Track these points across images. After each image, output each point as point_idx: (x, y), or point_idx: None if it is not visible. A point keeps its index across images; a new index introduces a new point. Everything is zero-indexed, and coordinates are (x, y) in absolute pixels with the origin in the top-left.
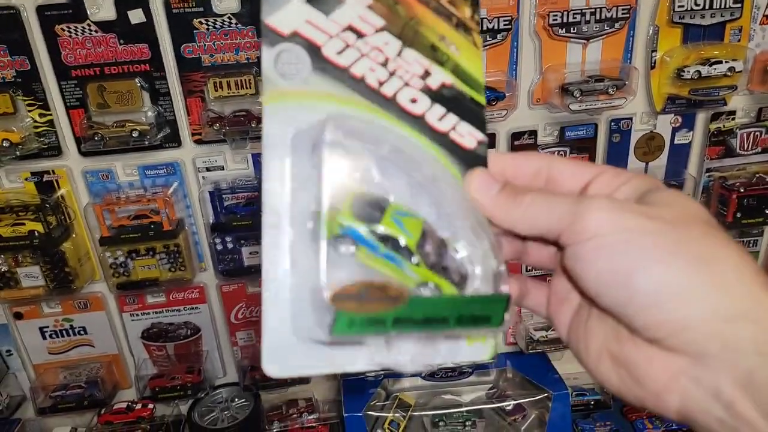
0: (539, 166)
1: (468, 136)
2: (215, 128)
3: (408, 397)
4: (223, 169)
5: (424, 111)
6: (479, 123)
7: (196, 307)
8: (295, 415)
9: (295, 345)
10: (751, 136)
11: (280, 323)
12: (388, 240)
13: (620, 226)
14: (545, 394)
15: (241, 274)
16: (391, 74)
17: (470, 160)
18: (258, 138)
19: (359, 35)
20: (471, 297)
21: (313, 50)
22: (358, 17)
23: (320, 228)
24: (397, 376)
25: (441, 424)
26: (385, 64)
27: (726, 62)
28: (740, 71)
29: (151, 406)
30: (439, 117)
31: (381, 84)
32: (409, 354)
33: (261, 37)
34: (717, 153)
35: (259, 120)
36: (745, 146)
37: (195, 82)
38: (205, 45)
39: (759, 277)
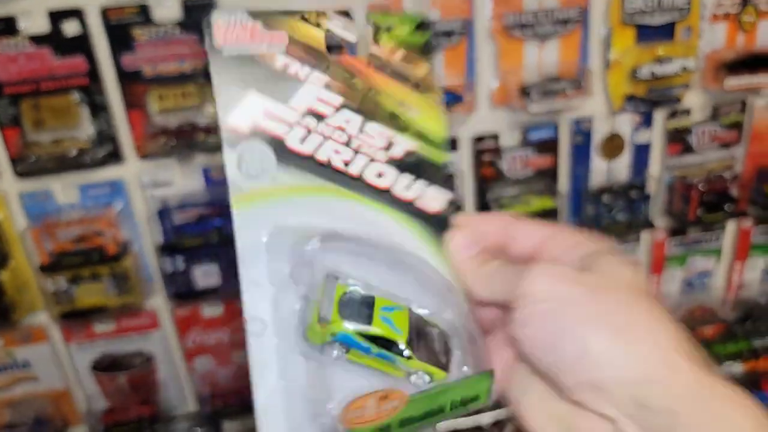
0: (500, 225)
1: (435, 199)
2: (160, 142)
3: None
4: (172, 186)
5: (391, 184)
6: (446, 182)
7: (149, 334)
8: None
9: None
10: (707, 133)
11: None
12: (380, 340)
13: (552, 294)
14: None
15: (194, 296)
16: (356, 152)
17: (440, 223)
18: (207, 150)
19: (320, 118)
20: (459, 382)
21: (276, 143)
22: (316, 99)
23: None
24: None
25: None
26: (348, 143)
27: (678, 61)
28: (692, 69)
29: None
30: (405, 186)
31: (347, 164)
32: None
33: (222, 140)
34: (677, 151)
35: (207, 131)
36: (702, 143)
37: (137, 94)
38: (145, 55)
39: (677, 343)
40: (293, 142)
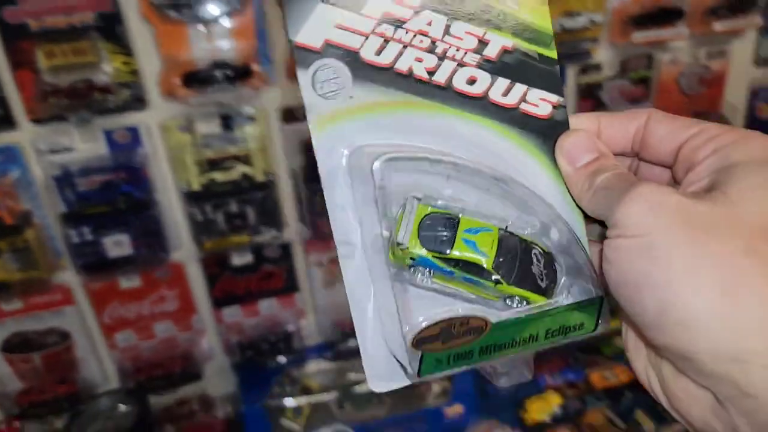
0: (637, 126)
1: (541, 102)
2: (52, 103)
3: (312, 382)
4: (73, 151)
5: (486, 89)
6: (553, 83)
7: (62, 310)
8: (189, 415)
9: (395, 366)
10: (617, 88)
11: (376, 350)
12: (463, 264)
13: (646, 228)
14: None
15: (108, 268)
16: (441, 58)
17: (548, 129)
18: (107, 111)
19: (398, 23)
20: (558, 309)
21: (351, 57)
22: (392, 2)
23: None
24: (299, 360)
25: (347, 404)
26: (432, 49)
27: (586, 14)
28: (601, 23)
29: (17, 425)
30: (503, 92)
31: (431, 73)
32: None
33: (294, 59)
34: (589, 107)
35: (105, 90)
36: (614, 99)
37: (23, 52)
38: (30, 8)
39: None
40: (369, 54)
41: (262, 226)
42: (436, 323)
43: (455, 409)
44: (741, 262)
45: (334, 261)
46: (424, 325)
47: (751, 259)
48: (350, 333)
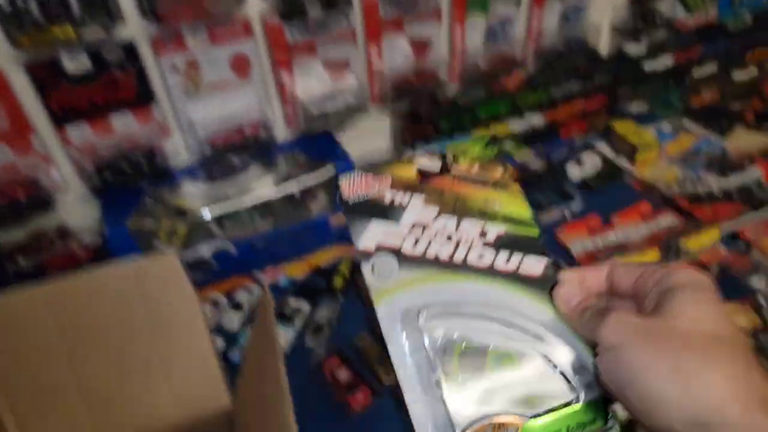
0: (606, 273)
1: (534, 265)
2: None
3: (185, 202)
4: None
5: (492, 261)
6: (539, 251)
7: None
8: (46, 247)
9: None
10: None
11: None
12: None
13: (616, 343)
14: (330, 170)
15: None
16: (457, 245)
17: (543, 283)
18: None
19: (424, 227)
20: (573, 409)
21: (396, 252)
22: (418, 215)
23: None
24: (169, 181)
25: (227, 223)
26: (450, 239)
27: None
28: None
29: None
30: (505, 261)
31: (451, 256)
32: None
33: (358, 257)
34: None
35: None
36: None
37: None
38: None
39: (733, 385)
40: (407, 249)
41: (87, 18)
42: (480, 426)
43: (341, 218)
44: (681, 354)
45: (193, 64)
46: (470, 425)
47: (687, 352)
48: (227, 149)
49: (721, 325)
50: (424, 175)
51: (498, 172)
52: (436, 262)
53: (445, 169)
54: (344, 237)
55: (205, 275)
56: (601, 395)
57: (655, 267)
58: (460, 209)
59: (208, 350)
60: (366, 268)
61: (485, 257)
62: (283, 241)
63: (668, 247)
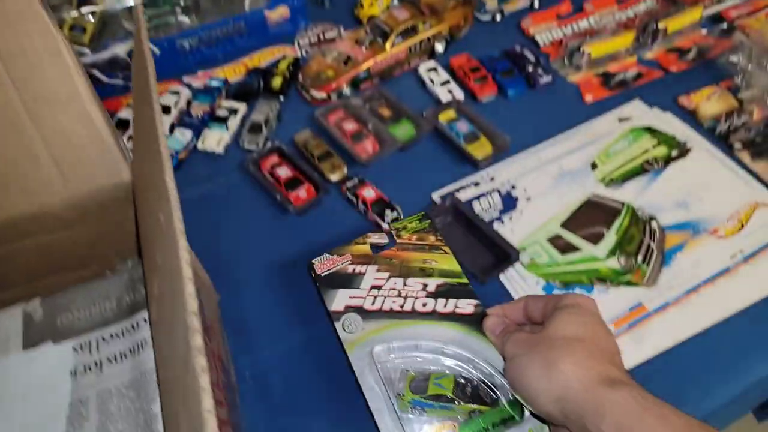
0: (522, 306)
1: (466, 306)
2: None
3: None
4: None
5: (433, 307)
6: (470, 294)
7: None
8: None
9: None
10: None
11: None
12: (437, 397)
13: (511, 354)
14: None
15: None
16: (405, 298)
17: (475, 319)
18: None
19: (378, 288)
20: (494, 410)
21: (360, 310)
22: (373, 279)
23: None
24: None
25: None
26: (399, 295)
27: None
28: None
29: None
30: (444, 305)
31: (402, 306)
32: None
33: (331, 319)
34: None
35: None
36: None
37: None
38: None
39: (591, 370)
40: (368, 306)
41: None
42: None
43: (279, 13)
44: (547, 354)
45: None
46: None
47: (552, 351)
48: None
49: (584, 329)
50: (374, 249)
51: (432, 238)
52: (391, 313)
53: (392, 242)
54: (283, 35)
55: (125, 79)
56: (515, 398)
57: (556, 296)
58: (405, 270)
59: (90, 111)
60: (338, 326)
61: (428, 304)
62: (213, 40)
63: (645, 28)
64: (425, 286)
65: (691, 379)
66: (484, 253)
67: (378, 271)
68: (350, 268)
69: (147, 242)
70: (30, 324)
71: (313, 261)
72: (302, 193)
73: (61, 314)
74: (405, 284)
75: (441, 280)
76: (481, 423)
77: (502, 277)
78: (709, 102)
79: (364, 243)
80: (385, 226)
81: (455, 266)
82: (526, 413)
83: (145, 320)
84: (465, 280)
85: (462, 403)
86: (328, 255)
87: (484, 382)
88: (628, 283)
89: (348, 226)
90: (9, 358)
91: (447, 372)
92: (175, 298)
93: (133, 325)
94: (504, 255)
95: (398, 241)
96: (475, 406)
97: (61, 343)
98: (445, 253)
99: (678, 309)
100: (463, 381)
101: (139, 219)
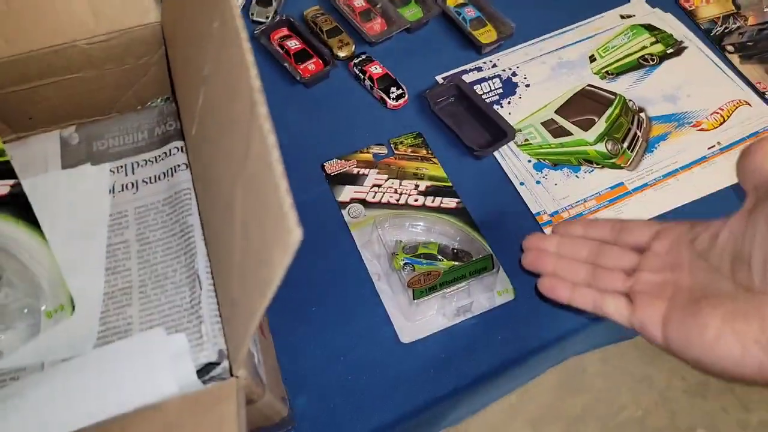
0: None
1: (450, 202)
2: None
3: None
4: None
5: (423, 202)
6: (453, 195)
7: None
8: None
9: (410, 323)
10: None
11: (399, 313)
12: (425, 256)
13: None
14: None
15: None
16: (400, 195)
17: (457, 212)
18: None
19: (378, 186)
20: (472, 261)
21: (362, 202)
22: (374, 179)
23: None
24: None
25: None
26: (395, 192)
27: None
28: None
29: None
30: (431, 202)
31: (397, 200)
32: (462, 304)
33: (339, 206)
34: None
35: None
36: None
37: None
38: None
39: None
40: (369, 198)
41: None
42: (417, 274)
43: None
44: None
45: None
46: (412, 276)
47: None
48: None
49: None
50: (376, 156)
51: (425, 151)
52: (388, 205)
53: (390, 153)
54: None
55: None
56: (489, 254)
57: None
58: (400, 174)
59: None
60: (344, 212)
61: (419, 200)
62: None
63: None
64: (417, 186)
65: None
66: (482, 131)
67: (378, 173)
68: (355, 170)
69: (187, 62)
70: (67, 147)
71: (324, 163)
72: (311, 66)
73: (96, 141)
74: (400, 184)
75: (430, 183)
76: (460, 271)
77: (496, 154)
78: (708, 5)
79: (368, 152)
80: (390, 102)
81: (442, 173)
82: (497, 264)
83: (177, 148)
84: (449, 184)
85: (445, 260)
86: (337, 159)
87: (462, 249)
88: (613, 165)
89: (354, 101)
90: (48, 174)
91: (432, 240)
92: (232, 83)
93: (165, 152)
94: (501, 133)
95: (396, 152)
96: (455, 262)
97: (99, 165)
98: (435, 163)
99: (655, 190)
100: (445, 247)
101: (174, 52)
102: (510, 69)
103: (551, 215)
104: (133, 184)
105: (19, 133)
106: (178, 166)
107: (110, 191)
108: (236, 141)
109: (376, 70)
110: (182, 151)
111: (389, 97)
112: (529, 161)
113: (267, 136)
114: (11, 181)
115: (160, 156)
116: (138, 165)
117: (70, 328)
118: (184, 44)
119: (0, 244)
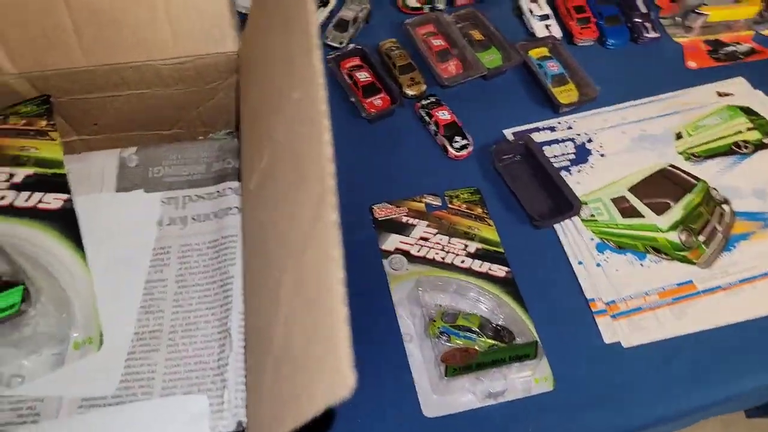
0: None
1: (499, 271)
2: None
3: None
4: None
5: (470, 265)
6: (503, 262)
7: None
8: None
9: (436, 396)
10: None
11: (426, 383)
12: (463, 329)
13: None
14: None
15: None
16: (447, 253)
17: (505, 282)
18: None
19: (425, 240)
20: (514, 345)
21: (406, 254)
22: (423, 232)
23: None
24: None
25: None
26: (442, 249)
27: None
28: None
29: None
30: (479, 266)
31: (443, 259)
32: (496, 389)
33: (381, 255)
34: None
35: None
36: None
37: None
38: None
39: None
40: (414, 252)
41: None
42: (452, 350)
43: None
44: None
45: None
46: (447, 350)
47: None
48: None
49: None
50: (428, 207)
51: (479, 210)
52: (433, 262)
53: (444, 205)
54: None
55: None
56: (535, 341)
57: None
58: (451, 231)
59: None
60: (386, 262)
61: (465, 262)
62: None
63: None
64: (466, 246)
65: (723, 361)
66: (546, 198)
67: (428, 226)
68: (404, 219)
69: (258, 115)
70: (124, 168)
71: (373, 206)
72: (377, 101)
73: (154, 167)
74: (449, 242)
75: (480, 245)
76: (500, 354)
77: (557, 225)
78: None
79: (420, 201)
80: (452, 151)
81: (496, 237)
82: (541, 353)
83: (231, 189)
84: (501, 250)
85: (484, 338)
86: (387, 203)
87: (505, 327)
88: (683, 259)
89: (415, 144)
90: (102, 195)
91: (475, 312)
92: (303, 170)
93: (218, 191)
94: (566, 204)
95: (450, 205)
96: (495, 341)
97: (151, 193)
98: (489, 225)
99: (727, 294)
100: (487, 321)
101: (246, 91)
102: (586, 134)
103: (607, 303)
104: (181, 219)
105: (82, 136)
106: (230, 209)
107: (158, 222)
108: (295, 231)
109: (443, 115)
110: (236, 193)
111: (452, 146)
112: (592, 239)
113: (331, 249)
114: (65, 196)
115: (213, 194)
116: (190, 199)
117: (95, 364)
118: (259, 87)
119: (42, 262)
